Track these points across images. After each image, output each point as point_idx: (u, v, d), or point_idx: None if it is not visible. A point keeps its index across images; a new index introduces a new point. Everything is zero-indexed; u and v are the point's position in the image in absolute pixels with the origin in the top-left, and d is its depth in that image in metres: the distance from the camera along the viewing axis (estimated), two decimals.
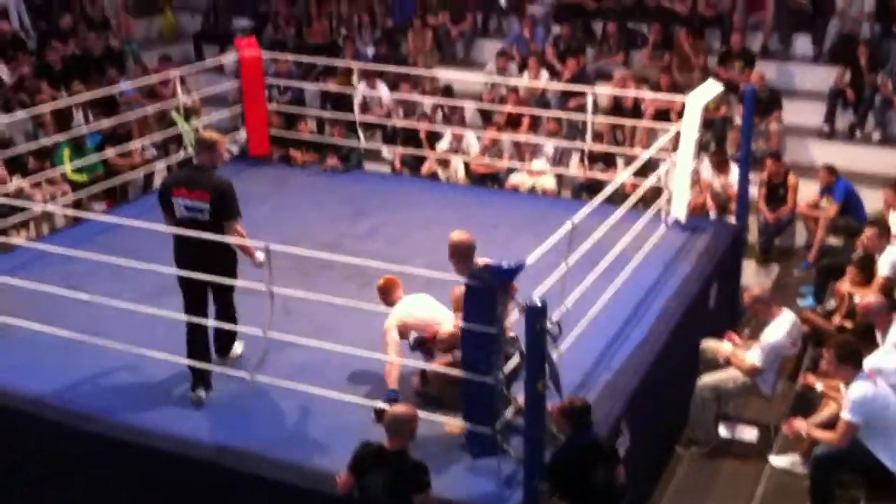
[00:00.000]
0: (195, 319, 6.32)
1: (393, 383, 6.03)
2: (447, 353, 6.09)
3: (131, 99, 12.14)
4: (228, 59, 12.12)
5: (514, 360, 5.66)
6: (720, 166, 10.20)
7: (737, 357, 6.97)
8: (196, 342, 6.35)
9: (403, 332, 6.16)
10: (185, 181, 6.25)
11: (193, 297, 6.34)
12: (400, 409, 5.21)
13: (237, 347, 6.77)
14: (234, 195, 6.22)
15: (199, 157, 6.39)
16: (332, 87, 12.10)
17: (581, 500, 5.27)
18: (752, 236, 10.25)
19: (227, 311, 6.52)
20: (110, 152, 10.46)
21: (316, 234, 8.39)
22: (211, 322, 6.44)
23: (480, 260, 5.67)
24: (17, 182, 9.63)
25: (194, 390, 6.29)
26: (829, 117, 11.73)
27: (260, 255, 6.18)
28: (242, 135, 10.70)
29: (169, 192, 6.25)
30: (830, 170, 9.98)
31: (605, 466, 5.34)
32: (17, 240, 9.03)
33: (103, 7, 14.33)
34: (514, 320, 5.71)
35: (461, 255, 5.82)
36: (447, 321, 6.04)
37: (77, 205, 9.78)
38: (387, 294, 6.46)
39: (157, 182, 10.82)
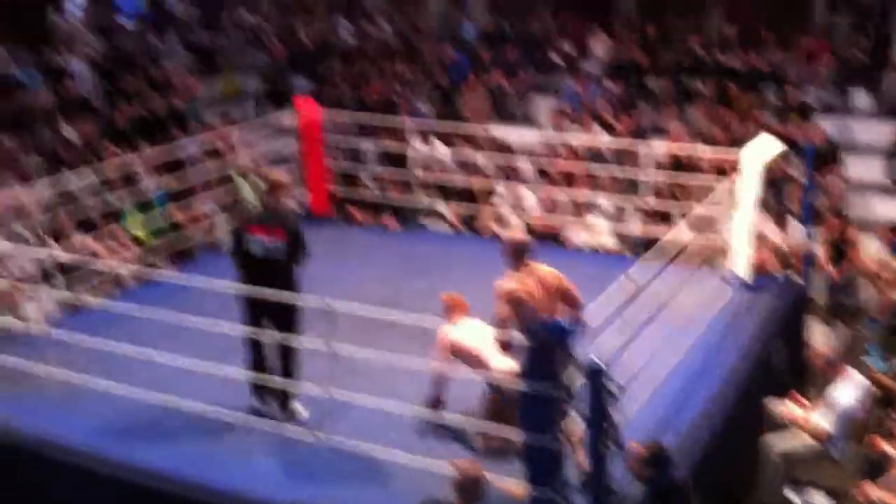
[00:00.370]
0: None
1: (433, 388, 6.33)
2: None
3: (194, 158, 12.38)
4: (288, 118, 12.33)
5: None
6: (782, 223, 10.10)
7: (806, 421, 6.85)
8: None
9: (453, 352, 6.32)
10: (259, 220, 6.51)
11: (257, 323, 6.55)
12: (468, 469, 5.20)
13: (302, 411, 6.76)
14: (304, 235, 6.53)
15: (268, 197, 6.60)
16: (389, 145, 12.25)
17: None
18: (817, 294, 10.11)
19: (290, 357, 6.61)
20: (175, 211, 10.66)
21: (375, 292, 8.45)
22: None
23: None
24: (83, 241, 9.83)
25: (286, 407, 6.55)
26: (892, 171, 11.60)
27: None
28: (303, 193, 10.85)
29: (243, 232, 6.47)
30: (892, 228, 9.85)
31: None
32: (84, 299, 9.21)
33: (167, 69, 14.70)
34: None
35: (518, 254, 5.99)
36: (494, 359, 6.11)
37: (143, 263, 9.96)
38: (449, 311, 6.67)
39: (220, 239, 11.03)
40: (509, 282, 6.01)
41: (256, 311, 6.53)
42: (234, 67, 16.10)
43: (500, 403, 6.08)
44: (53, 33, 14.63)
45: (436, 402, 6.46)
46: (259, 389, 6.70)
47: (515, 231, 6.13)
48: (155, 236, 10.53)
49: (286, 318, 6.51)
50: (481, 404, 6.29)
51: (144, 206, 10.63)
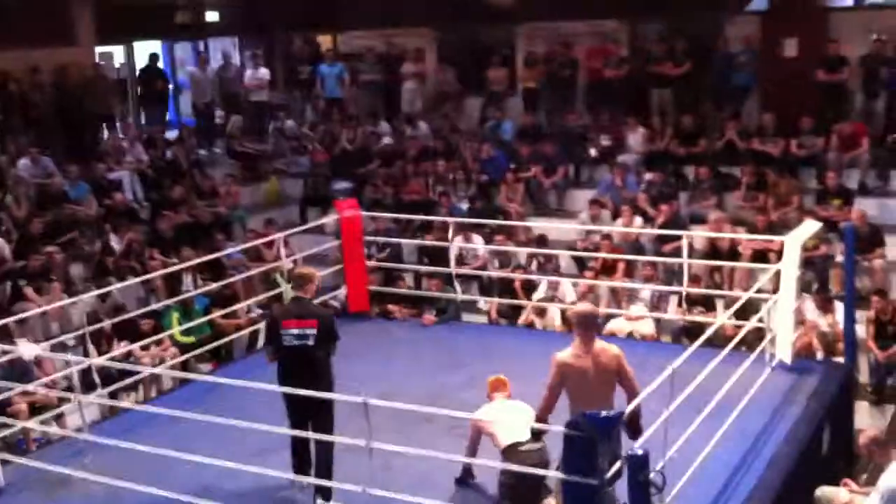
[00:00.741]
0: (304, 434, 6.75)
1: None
2: None
3: (237, 262, 12.60)
4: (329, 220, 12.54)
5: None
6: (825, 306, 9.98)
7: None
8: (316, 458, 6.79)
9: (482, 431, 6.57)
10: (293, 313, 6.87)
11: (299, 416, 6.78)
12: None
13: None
14: (335, 323, 6.93)
15: (298, 290, 7.00)
16: (428, 241, 12.38)
17: None
18: (864, 376, 9.90)
19: (327, 452, 6.75)
20: (217, 314, 10.82)
21: (414, 387, 8.43)
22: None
23: None
24: (126, 347, 10.00)
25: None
26: None
27: None
28: (343, 292, 10.97)
29: (278, 325, 6.82)
30: None
31: None
32: (126, 403, 9.31)
33: (212, 177, 15.07)
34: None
35: (585, 325, 6.08)
36: (507, 438, 6.30)
37: (184, 366, 10.08)
38: (490, 390, 6.97)
39: (263, 341, 11.13)
40: (565, 353, 6.07)
41: (294, 404, 6.75)
42: (277, 173, 16.45)
43: (513, 485, 6.18)
44: (103, 147, 15.11)
45: (466, 475, 6.89)
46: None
47: (584, 304, 6.25)
48: (197, 339, 10.66)
49: (320, 408, 6.71)
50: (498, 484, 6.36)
51: (186, 312, 10.79)
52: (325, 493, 6.75)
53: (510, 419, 6.45)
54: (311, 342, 6.74)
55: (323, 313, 7.01)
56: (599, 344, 6.14)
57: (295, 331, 6.75)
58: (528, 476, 6.08)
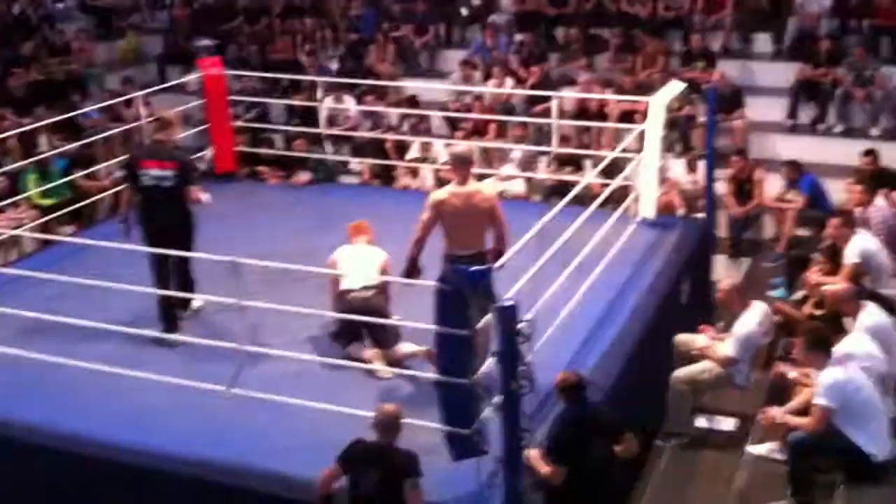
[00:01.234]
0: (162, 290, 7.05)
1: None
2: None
3: (95, 122, 12.08)
4: (192, 78, 12.09)
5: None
6: (687, 165, 10.29)
7: (711, 349, 7.03)
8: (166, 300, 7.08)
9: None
10: (152, 154, 7.01)
11: (159, 257, 7.00)
12: (388, 407, 5.36)
13: (196, 302, 7.31)
14: (194, 164, 7.17)
15: (159, 133, 7.09)
16: (297, 102, 12.11)
17: (578, 472, 5.45)
18: (722, 231, 10.34)
19: (185, 269, 7.11)
20: (76, 176, 10.41)
21: (286, 247, 8.36)
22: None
23: None
24: None
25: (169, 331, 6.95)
26: (792, 112, 11.88)
27: (204, 197, 7.09)
28: (209, 153, 10.68)
29: (136, 165, 6.98)
30: (794, 166, 10.12)
31: (604, 439, 5.59)
32: None
33: (64, 33, 14.26)
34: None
35: (460, 163, 6.26)
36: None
37: (45, 229, 9.72)
38: (349, 234, 7.24)
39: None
40: (441, 191, 6.29)
41: (155, 240, 6.98)
42: (134, 29, 15.67)
43: (336, 332, 6.70)
44: None
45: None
46: (166, 311, 7.10)
47: (460, 147, 6.29)
48: (56, 201, 10.28)
49: (183, 241, 7.03)
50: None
51: (44, 173, 10.34)
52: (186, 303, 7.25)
53: (351, 266, 6.74)
54: (170, 183, 6.90)
55: (182, 156, 7.13)
56: (475, 185, 6.34)
57: (154, 171, 6.90)
58: (352, 322, 6.45)
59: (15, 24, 14.13)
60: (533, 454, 5.53)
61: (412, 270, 6.32)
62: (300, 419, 6.02)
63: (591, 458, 5.50)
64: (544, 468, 5.49)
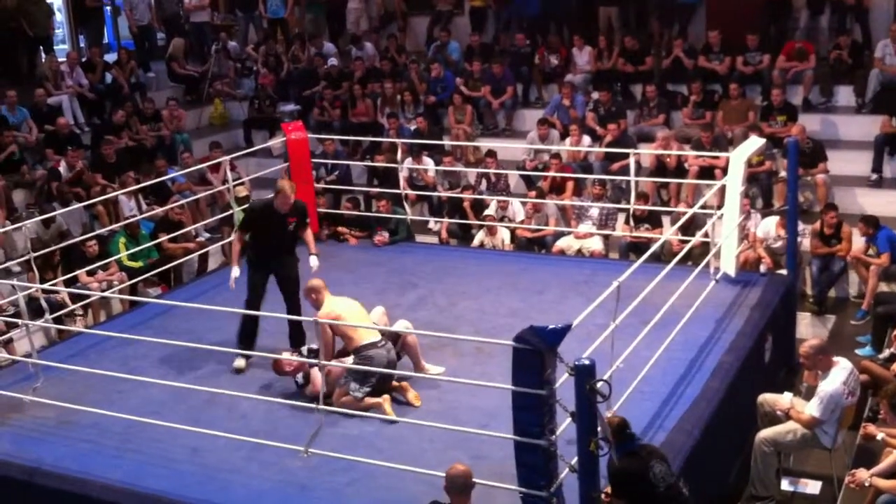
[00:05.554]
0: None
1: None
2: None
3: (182, 186, 12.46)
4: (276, 142, 12.41)
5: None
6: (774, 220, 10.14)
7: (795, 409, 6.85)
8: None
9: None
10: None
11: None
12: (458, 468, 5.34)
13: (240, 362, 7.57)
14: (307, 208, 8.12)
15: (277, 199, 7.67)
16: (377, 163, 12.32)
17: (648, 498, 5.43)
18: (807, 288, 10.13)
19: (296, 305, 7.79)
20: (163, 238, 10.72)
21: (367, 307, 8.46)
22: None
23: None
24: (74, 273, 9.89)
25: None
26: (877, 166, 11.66)
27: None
28: None
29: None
30: (869, 220, 9.90)
31: (661, 462, 5.57)
32: (76, 327, 9.26)
33: (154, 101, 14.77)
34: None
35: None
36: None
37: (133, 291, 10.02)
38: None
39: (213, 265, 11.09)
40: None
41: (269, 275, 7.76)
42: (221, 95, 16.16)
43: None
44: (41, 71, 14.72)
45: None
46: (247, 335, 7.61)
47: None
48: (144, 264, 10.58)
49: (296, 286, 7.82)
50: None
51: (133, 236, 10.67)
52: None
53: (362, 320, 7.10)
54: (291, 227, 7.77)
55: (298, 204, 7.85)
56: None
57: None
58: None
59: (107, 93, 14.69)
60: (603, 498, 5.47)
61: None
62: (375, 479, 6.04)
63: (656, 483, 5.47)
64: None
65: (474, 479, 5.35)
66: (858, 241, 10.10)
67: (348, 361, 6.95)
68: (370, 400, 6.78)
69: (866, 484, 6.02)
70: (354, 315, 7.03)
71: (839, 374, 6.74)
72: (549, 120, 13.04)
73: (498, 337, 6.20)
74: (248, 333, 7.59)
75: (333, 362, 6.80)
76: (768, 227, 10.15)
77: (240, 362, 7.56)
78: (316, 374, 6.92)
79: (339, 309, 7.05)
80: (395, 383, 7.01)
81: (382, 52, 15.79)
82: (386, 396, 6.81)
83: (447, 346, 7.66)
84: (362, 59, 15.47)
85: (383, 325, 7.26)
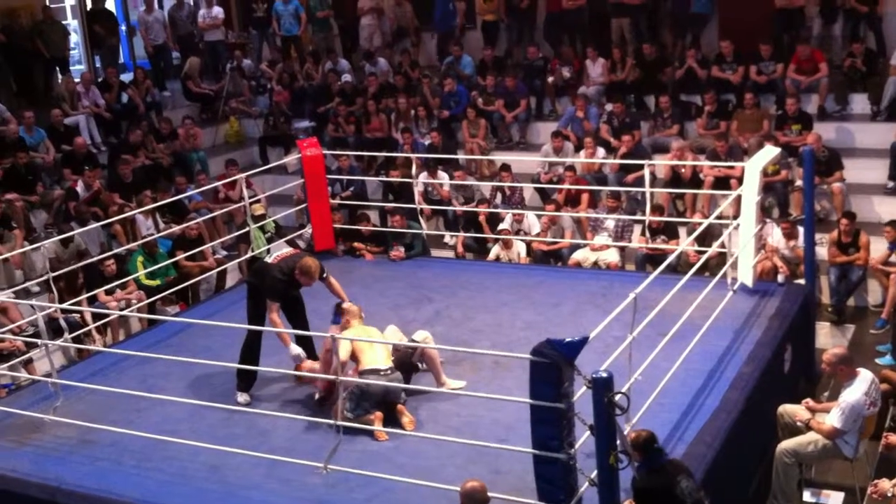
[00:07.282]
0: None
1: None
2: None
3: (199, 205, 12.52)
4: (292, 159, 12.46)
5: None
6: (786, 229, 10.10)
7: (816, 420, 6.81)
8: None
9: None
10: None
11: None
12: (471, 484, 5.32)
13: (243, 398, 7.39)
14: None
15: (301, 277, 7.37)
16: (392, 178, 12.35)
17: None
18: (825, 297, 10.08)
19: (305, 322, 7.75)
20: (181, 256, 10.78)
21: (381, 321, 8.48)
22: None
23: None
24: (92, 292, 9.95)
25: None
26: (893, 173, 11.60)
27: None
28: (308, 231, 10.94)
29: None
30: (894, 225, 9.84)
31: (688, 478, 5.52)
32: (95, 346, 9.30)
33: (170, 119, 14.87)
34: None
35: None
36: None
37: (151, 310, 10.07)
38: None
39: (230, 282, 11.12)
40: None
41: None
42: (236, 113, 16.25)
43: None
44: (57, 91, 14.84)
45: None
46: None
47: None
48: (162, 282, 10.63)
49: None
50: None
51: (150, 255, 10.73)
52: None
53: (372, 346, 7.01)
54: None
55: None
56: None
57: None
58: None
59: (124, 113, 14.79)
60: None
61: None
62: (394, 494, 6.03)
63: (683, 499, 5.44)
64: None
65: (492, 494, 5.33)
66: (876, 250, 10.05)
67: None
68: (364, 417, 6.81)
69: (889, 495, 5.97)
70: (366, 341, 7.03)
71: (861, 385, 6.69)
72: (563, 132, 13.04)
73: (515, 350, 6.22)
74: (249, 372, 7.37)
75: (341, 377, 6.76)
76: (780, 237, 10.13)
77: (244, 398, 7.42)
78: (314, 365, 7.15)
79: (355, 334, 7.06)
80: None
81: (396, 68, 15.84)
82: (378, 414, 6.79)
83: (464, 361, 7.66)
84: (376, 74, 15.53)
85: (398, 340, 7.24)
